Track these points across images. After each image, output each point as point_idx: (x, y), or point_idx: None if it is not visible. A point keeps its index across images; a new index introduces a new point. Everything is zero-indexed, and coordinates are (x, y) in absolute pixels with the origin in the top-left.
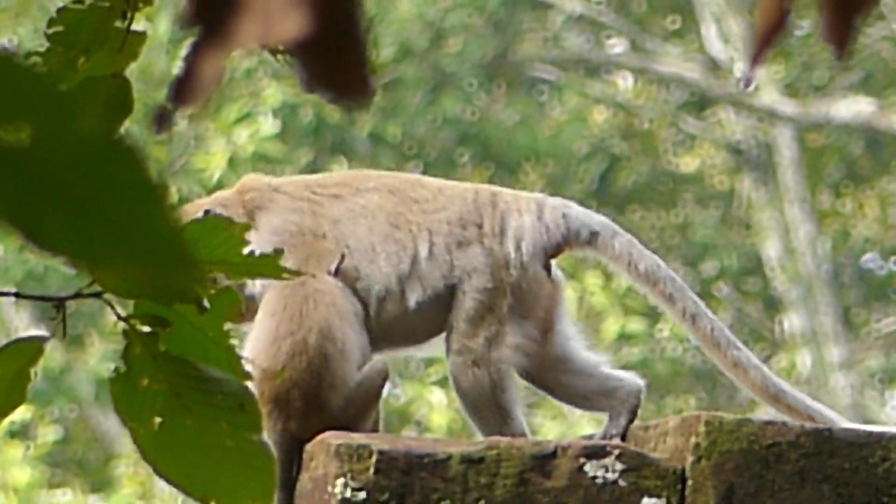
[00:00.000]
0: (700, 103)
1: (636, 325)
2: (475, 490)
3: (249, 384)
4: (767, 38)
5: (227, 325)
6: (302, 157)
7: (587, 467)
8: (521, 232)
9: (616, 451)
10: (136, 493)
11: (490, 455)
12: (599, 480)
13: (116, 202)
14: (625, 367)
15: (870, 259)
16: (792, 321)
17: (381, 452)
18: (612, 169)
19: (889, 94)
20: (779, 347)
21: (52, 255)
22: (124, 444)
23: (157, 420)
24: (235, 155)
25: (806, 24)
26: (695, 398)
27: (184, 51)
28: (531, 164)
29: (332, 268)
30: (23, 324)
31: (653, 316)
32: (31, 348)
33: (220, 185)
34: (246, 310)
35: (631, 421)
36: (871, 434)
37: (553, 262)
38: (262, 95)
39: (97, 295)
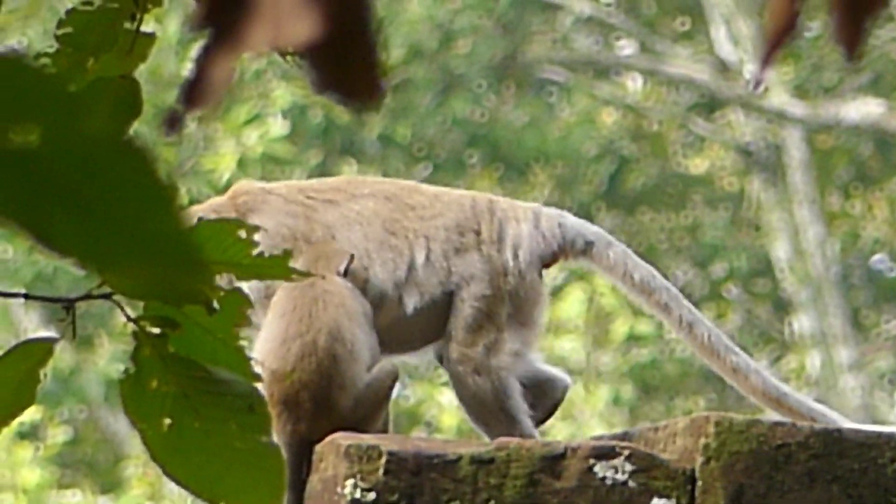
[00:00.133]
0: (709, 105)
1: (645, 326)
2: (485, 491)
3: (259, 386)
4: (777, 40)
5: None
6: (311, 159)
7: (597, 468)
8: (519, 240)
9: (626, 452)
10: (146, 494)
11: (500, 456)
12: (609, 481)
13: (125, 203)
14: (634, 369)
15: (879, 260)
16: (801, 322)
17: (390, 453)
18: (621, 170)
19: None
20: (788, 349)
21: (61, 256)
22: (134, 445)
23: (167, 421)
24: (245, 156)
25: (816, 26)
26: (704, 399)
27: (194, 53)
28: (540, 166)
29: (342, 268)
30: (32, 325)
31: None
32: (40, 349)
33: (229, 187)
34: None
35: (548, 416)
36: (880, 435)
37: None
38: (271, 97)
39: (106, 296)
